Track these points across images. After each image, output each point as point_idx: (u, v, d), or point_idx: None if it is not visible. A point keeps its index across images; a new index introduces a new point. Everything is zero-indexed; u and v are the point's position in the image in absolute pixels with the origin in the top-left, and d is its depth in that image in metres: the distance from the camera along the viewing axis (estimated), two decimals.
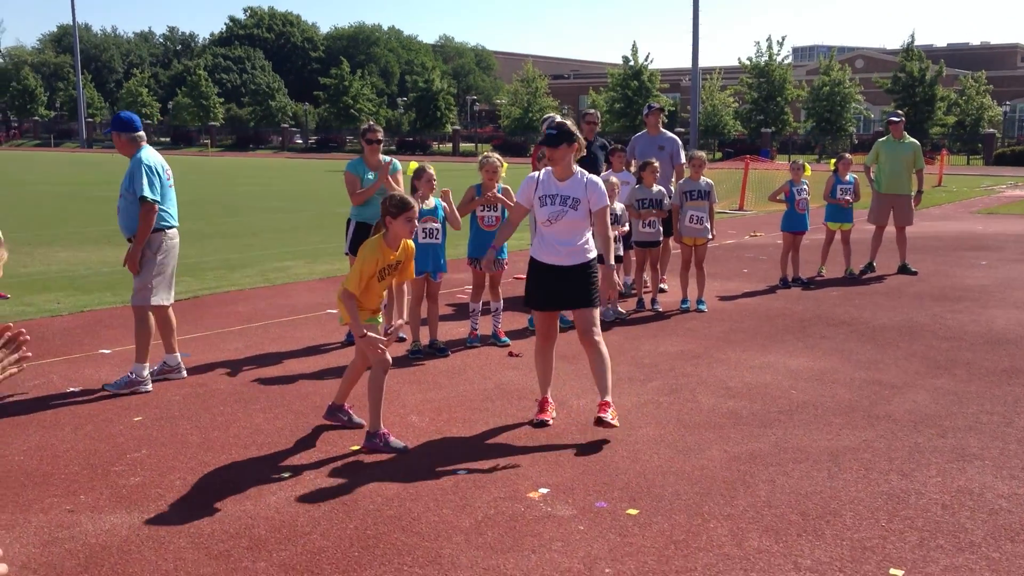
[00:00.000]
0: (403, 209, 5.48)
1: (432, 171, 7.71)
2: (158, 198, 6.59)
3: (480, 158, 8.07)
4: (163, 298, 6.81)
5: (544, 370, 6.07)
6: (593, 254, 5.82)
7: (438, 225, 7.69)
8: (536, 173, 5.89)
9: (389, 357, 5.63)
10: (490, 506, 4.64)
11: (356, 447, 5.49)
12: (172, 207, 6.84)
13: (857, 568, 3.98)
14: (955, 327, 8.85)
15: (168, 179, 6.81)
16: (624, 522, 4.45)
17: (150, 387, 6.65)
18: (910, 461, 5.27)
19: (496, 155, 8.10)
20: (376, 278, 5.54)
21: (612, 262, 5.88)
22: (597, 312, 5.88)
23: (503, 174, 8.00)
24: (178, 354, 7.04)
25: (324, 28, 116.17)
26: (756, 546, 4.19)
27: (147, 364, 6.68)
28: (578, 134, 5.75)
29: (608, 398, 5.72)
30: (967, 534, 4.31)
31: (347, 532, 4.33)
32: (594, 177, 5.81)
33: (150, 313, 6.78)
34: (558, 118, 6.05)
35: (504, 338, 8.18)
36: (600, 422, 5.58)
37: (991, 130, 55.88)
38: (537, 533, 4.33)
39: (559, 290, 5.79)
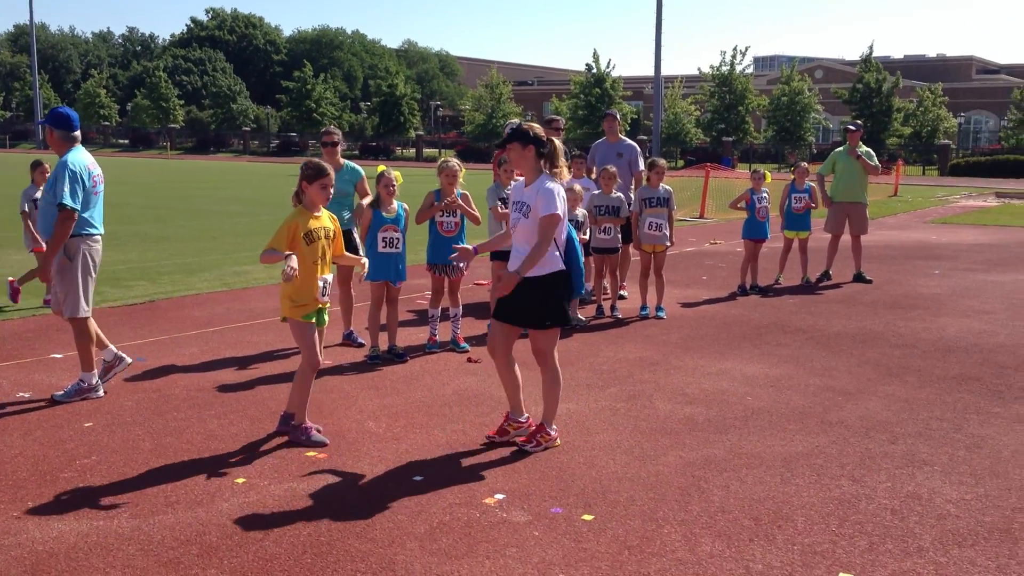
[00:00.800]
0: (317, 175, 5.53)
1: (392, 175, 7.67)
2: (77, 206, 6.26)
3: (439, 163, 8.05)
4: (86, 308, 6.52)
5: (505, 384, 5.78)
6: (551, 268, 5.45)
7: (399, 235, 7.67)
8: (522, 178, 5.69)
9: (321, 358, 5.66)
10: (445, 512, 4.63)
11: (312, 452, 5.45)
12: (97, 213, 6.51)
13: (807, 572, 4.02)
14: (908, 335, 8.99)
15: (95, 184, 6.46)
16: (579, 528, 4.46)
17: (102, 392, 6.55)
18: (861, 467, 5.34)
19: (455, 160, 8.11)
20: (303, 241, 5.46)
21: (522, 272, 5.33)
22: (552, 335, 5.57)
23: (462, 179, 8.00)
24: (111, 346, 6.76)
25: (287, 31, 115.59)
26: (709, 551, 4.22)
27: (95, 371, 6.54)
28: (540, 136, 5.47)
29: (545, 423, 5.62)
30: (915, 539, 4.38)
31: (300, 539, 4.30)
32: (551, 184, 5.41)
33: (89, 322, 6.56)
34: (517, 122, 5.98)
35: (463, 344, 8.17)
36: (520, 449, 5.53)
37: (946, 141, 56.89)
38: (492, 539, 4.33)
39: (511, 302, 5.47)
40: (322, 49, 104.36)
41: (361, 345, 8.17)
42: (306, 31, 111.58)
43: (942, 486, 5.05)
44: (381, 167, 7.83)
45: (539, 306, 5.46)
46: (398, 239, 7.67)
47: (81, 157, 6.42)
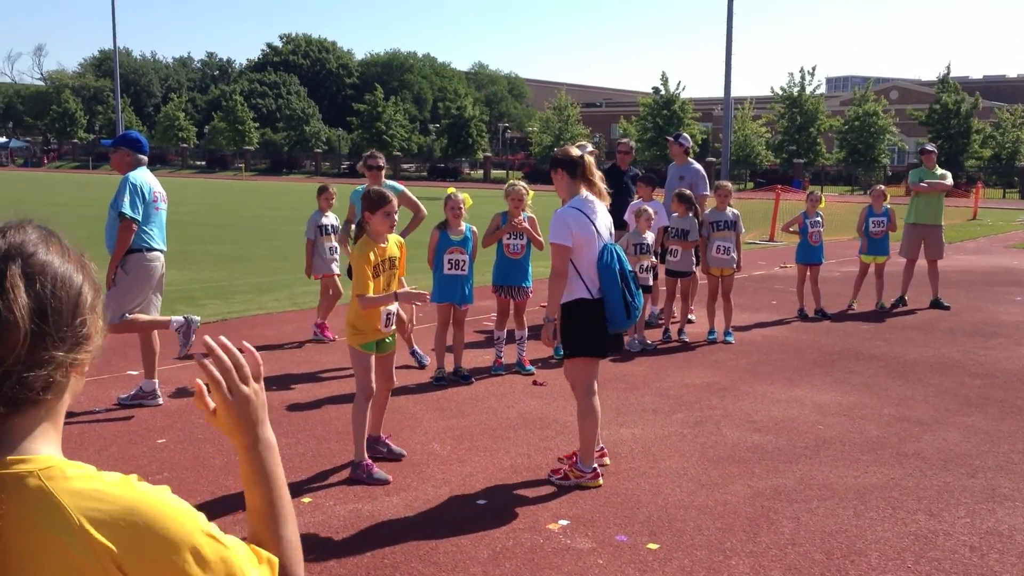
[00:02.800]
0: (380, 204, 5.40)
1: (460, 198, 7.70)
2: (137, 216, 6.54)
3: (506, 186, 8.07)
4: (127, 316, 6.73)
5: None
6: (570, 296, 5.27)
7: (465, 257, 7.68)
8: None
9: (374, 384, 5.54)
10: (509, 537, 4.60)
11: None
12: (157, 229, 6.78)
13: None
14: (988, 364, 8.70)
15: (156, 200, 6.77)
16: (644, 556, 4.39)
17: (160, 401, 6.78)
18: (939, 501, 5.17)
19: (522, 183, 8.13)
20: (373, 276, 5.41)
21: (549, 316, 5.35)
22: (573, 365, 5.40)
23: (529, 202, 8.00)
24: (156, 380, 6.96)
25: (359, 55, 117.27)
26: None
27: (156, 380, 6.84)
28: (566, 157, 5.39)
29: (578, 459, 5.38)
30: None
31: (364, 560, 4.31)
32: (563, 209, 5.33)
33: (152, 332, 6.83)
34: (590, 147, 5.87)
35: (529, 367, 8.14)
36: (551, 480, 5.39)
37: None
38: (555, 566, 4.28)
39: None
40: (392, 72, 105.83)
41: (424, 365, 8.19)
42: (378, 54, 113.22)
43: None
44: (450, 189, 7.89)
45: (562, 334, 5.36)
46: (464, 261, 7.69)
47: (143, 175, 6.78)
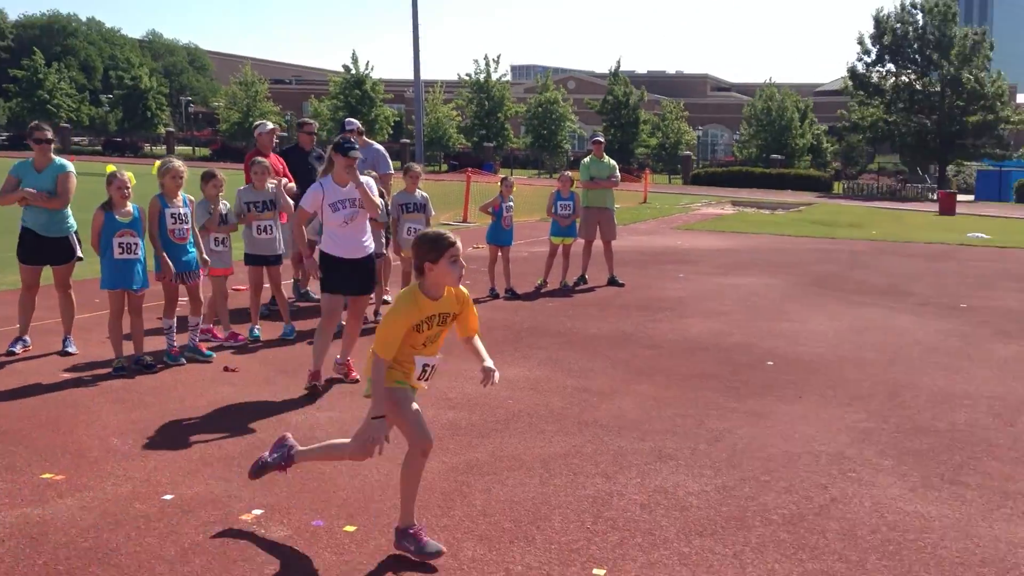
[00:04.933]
0: (441, 248, 4.17)
1: (126, 176, 7.20)
2: None
3: (160, 164, 7.61)
4: None
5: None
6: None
7: (137, 240, 7.22)
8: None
9: (431, 434, 4.38)
10: (199, 532, 4.40)
11: (47, 475, 5.01)
12: None
13: (564, 571, 4.16)
14: (656, 336, 9.53)
15: None
16: (341, 539, 4.38)
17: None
18: (614, 464, 5.59)
19: (178, 160, 7.73)
20: (413, 330, 4.25)
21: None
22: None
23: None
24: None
25: (12, 15, 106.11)
26: (471, 555, 4.27)
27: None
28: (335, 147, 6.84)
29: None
30: (662, 531, 4.63)
31: (35, 569, 3.94)
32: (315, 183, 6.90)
33: None
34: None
35: (207, 352, 7.79)
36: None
37: (688, 152, 60.96)
38: (249, 558, 4.16)
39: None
40: (54, 36, 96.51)
41: (68, 354, 7.63)
42: (34, 16, 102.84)
43: (685, 479, 5.38)
44: (110, 167, 7.34)
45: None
46: (137, 244, 7.21)
47: None
